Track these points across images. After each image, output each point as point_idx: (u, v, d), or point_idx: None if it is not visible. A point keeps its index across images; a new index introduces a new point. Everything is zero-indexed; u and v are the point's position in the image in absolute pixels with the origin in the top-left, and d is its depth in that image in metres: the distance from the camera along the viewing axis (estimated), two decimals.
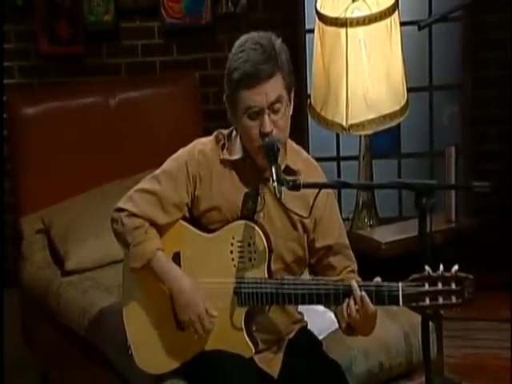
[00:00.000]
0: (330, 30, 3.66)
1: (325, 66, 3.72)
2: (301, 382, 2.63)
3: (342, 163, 5.17)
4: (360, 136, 3.83)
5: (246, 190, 2.66)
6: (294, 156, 2.71)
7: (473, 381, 3.96)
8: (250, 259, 2.60)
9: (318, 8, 3.73)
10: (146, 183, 2.72)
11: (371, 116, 3.66)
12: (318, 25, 3.74)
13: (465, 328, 4.40)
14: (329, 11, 3.69)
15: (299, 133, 4.81)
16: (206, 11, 4.99)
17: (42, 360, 3.97)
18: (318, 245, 2.70)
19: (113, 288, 3.41)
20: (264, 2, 5.06)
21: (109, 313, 3.27)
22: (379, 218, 3.89)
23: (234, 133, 2.70)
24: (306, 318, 2.85)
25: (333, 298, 2.51)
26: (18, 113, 3.99)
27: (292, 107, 2.63)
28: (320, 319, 2.92)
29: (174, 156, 2.73)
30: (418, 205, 2.39)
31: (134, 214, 2.66)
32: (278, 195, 2.45)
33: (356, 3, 3.68)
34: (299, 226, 2.68)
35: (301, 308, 2.82)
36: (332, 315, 2.68)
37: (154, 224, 2.67)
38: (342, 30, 3.60)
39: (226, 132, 2.73)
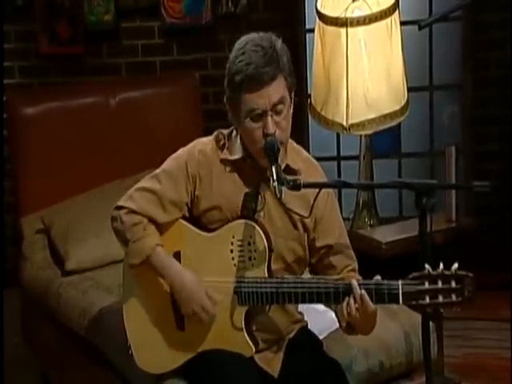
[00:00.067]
0: (331, 29, 3.66)
1: (325, 66, 3.72)
2: (301, 381, 2.63)
3: (342, 163, 5.17)
4: (360, 136, 3.83)
5: (247, 189, 2.66)
6: (295, 155, 2.72)
7: (473, 380, 3.96)
8: (250, 258, 2.60)
9: (319, 8, 3.73)
10: (146, 182, 2.72)
11: (371, 116, 3.66)
12: (318, 24, 3.74)
13: (465, 328, 4.40)
14: (329, 11, 3.69)
15: (299, 132, 4.81)
16: (206, 11, 4.99)
17: (42, 360, 3.97)
18: (318, 244, 2.70)
19: (113, 288, 3.41)
20: (264, 2, 5.06)
21: (109, 313, 3.27)
22: (379, 217, 3.89)
23: (234, 132, 2.70)
24: (306, 318, 2.85)
25: (333, 297, 2.51)
26: (18, 113, 3.99)
27: (293, 107, 2.63)
28: (321, 319, 2.92)
29: (174, 155, 2.73)
30: (418, 204, 2.39)
31: (133, 211, 2.66)
32: (279, 195, 2.46)
33: (356, 3, 3.68)
34: (300, 225, 2.68)
35: (301, 307, 2.82)
36: (333, 314, 2.68)
37: (153, 222, 2.67)
38: (343, 30, 3.60)
39: (226, 132, 2.73)
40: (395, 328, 3.05)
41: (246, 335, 2.61)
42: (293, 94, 2.62)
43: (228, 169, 2.68)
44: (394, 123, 3.75)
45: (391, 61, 3.68)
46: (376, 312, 2.49)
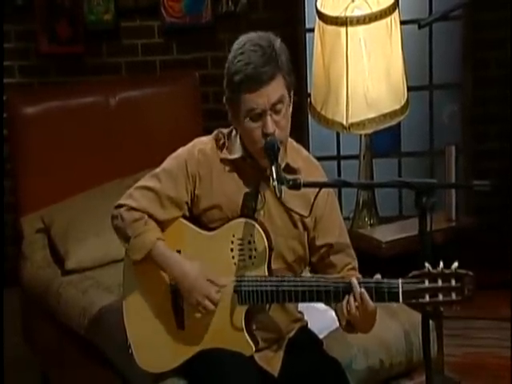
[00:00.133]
0: (331, 29, 3.66)
1: (325, 65, 3.72)
2: (301, 380, 2.63)
3: (342, 162, 5.17)
4: (360, 135, 3.83)
5: (247, 188, 2.66)
6: (295, 154, 2.72)
7: (473, 379, 3.96)
8: (250, 257, 2.60)
9: (319, 7, 3.73)
10: (146, 181, 2.72)
11: (371, 115, 3.66)
12: (318, 24, 3.74)
13: (465, 327, 4.40)
14: (329, 10, 3.69)
15: (299, 132, 4.81)
16: (206, 10, 4.99)
17: (42, 359, 3.97)
18: (318, 243, 2.71)
19: (113, 287, 3.41)
20: (264, 2, 5.06)
21: (109, 312, 3.27)
22: (379, 216, 3.90)
23: (234, 132, 2.70)
24: (307, 317, 2.85)
25: (333, 296, 2.51)
26: (18, 112, 3.99)
27: (292, 106, 2.63)
28: (321, 318, 2.92)
29: (174, 155, 2.74)
30: (418, 204, 2.39)
31: (133, 208, 2.67)
32: (279, 194, 2.46)
33: (356, 2, 3.68)
34: (299, 224, 2.68)
35: (301, 307, 2.82)
36: (333, 314, 2.68)
37: (153, 220, 2.67)
38: (342, 29, 3.60)
39: (225, 131, 2.73)
40: (395, 327, 3.05)
41: (246, 334, 2.61)
42: (292, 93, 2.62)
43: (228, 168, 2.68)
44: (393, 122, 3.76)
45: (391, 60, 3.68)
46: (376, 310, 2.49)
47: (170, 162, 2.72)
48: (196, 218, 2.70)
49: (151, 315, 2.71)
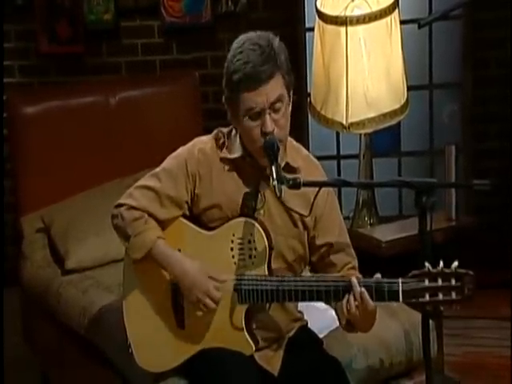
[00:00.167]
0: (330, 28, 3.66)
1: (325, 65, 3.72)
2: (301, 379, 2.63)
3: (342, 162, 5.17)
4: (360, 134, 3.83)
5: (246, 187, 2.66)
6: (294, 153, 2.72)
7: (473, 379, 3.96)
8: (250, 256, 2.60)
9: (318, 6, 3.73)
10: (146, 180, 2.73)
11: (371, 114, 3.66)
12: (318, 23, 3.74)
13: (465, 326, 4.40)
14: (329, 10, 3.69)
15: (299, 131, 4.81)
16: (206, 10, 4.99)
17: (42, 359, 3.97)
18: (318, 242, 2.71)
19: (113, 287, 3.41)
20: (264, 1, 5.06)
21: (109, 312, 3.27)
22: (379, 216, 3.90)
23: (234, 131, 2.71)
24: (307, 316, 2.85)
25: (333, 295, 2.51)
26: (18, 112, 3.99)
27: (291, 105, 2.63)
28: (321, 317, 2.92)
29: (174, 154, 2.74)
30: (418, 203, 2.39)
31: (133, 207, 2.67)
32: (278, 194, 2.46)
33: (356, 1, 3.68)
34: (299, 223, 2.69)
35: (302, 306, 2.82)
36: (333, 313, 2.68)
37: (154, 219, 2.67)
38: (342, 29, 3.60)
39: (225, 130, 2.73)
40: (395, 327, 3.05)
41: (246, 334, 2.61)
42: (291, 93, 2.62)
43: (228, 167, 2.68)
44: (393, 122, 3.76)
45: (391, 59, 3.68)
46: (375, 310, 2.49)
47: (169, 161, 2.72)
48: (196, 217, 2.70)
49: (151, 314, 2.71)
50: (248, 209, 2.64)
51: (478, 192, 4.82)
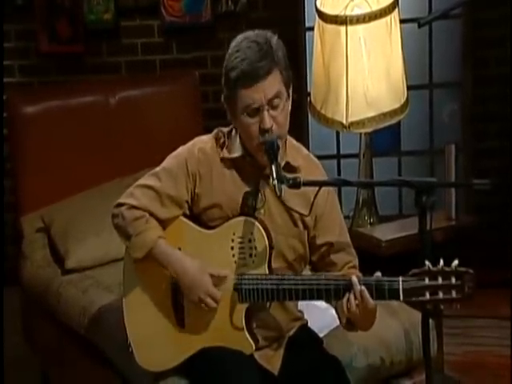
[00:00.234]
0: (330, 27, 3.66)
1: (325, 64, 3.72)
2: (301, 378, 2.63)
3: (342, 161, 5.17)
4: (360, 134, 3.83)
5: (247, 187, 2.66)
6: (295, 153, 2.72)
7: (473, 378, 3.96)
8: (250, 255, 2.60)
9: (318, 6, 3.73)
10: (146, 180, 2.73)
11: (371, 114, 3.66)
12: (317, 23, 3.74)
13: (465, 326, 4.40)
14: (329, 9, 3.70)
15: (299, 131, 4.81)
16: (206, 10, 4.99)
17: (42, 359, 3.97)
18: (318, 242, 2.71)
19: (113, 287, 3.41)
20: (264, 1, 5.06)
21: (109, 311, 3.27)
22: (379, 215, 3.90)
23: (234, 131, 2.70)
24: (307, 315, 2.85)
25: (333, 294, 2.51)
26: (18, 112, 3.99)
27: (291, 103, 2.63)
28: (321, 316, 2.92)
29: (174, 153, 2.74)
30: (418, 202, 2.38)
31: (134, 207, 2.67)
32: (279, 193, 2.46)
33: (356, 1, 3.69)
34: (300, 222, 2.68)
35: (302, 305, 2.82)
36: (333, 312, 2.68)
37: (154, 218, 2.67)
38: (342, 28, 3.60)
39: (225, 130, 2.73)
40: (395, 326, 3.05)
41: (246, 333, 2.61)
42: (290, 90, 2.62)
43: (228, 167, 2.68)
44: (393, 121, 3.76)
45: (391, 59, 3.69)
46: (375, 308, 2.49)
47: (170, 160, 2.72)
48: (196, 216, 2.70)
49: (151, 313, 2.71)
50: (248, 208, 2.64)
51: (477, 191, 4.82)
